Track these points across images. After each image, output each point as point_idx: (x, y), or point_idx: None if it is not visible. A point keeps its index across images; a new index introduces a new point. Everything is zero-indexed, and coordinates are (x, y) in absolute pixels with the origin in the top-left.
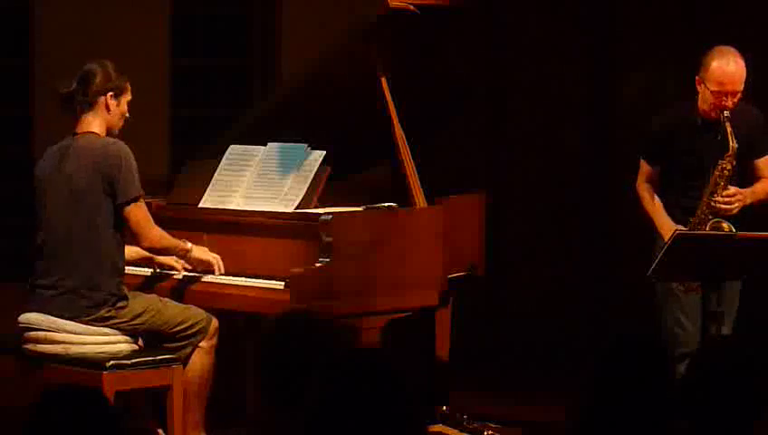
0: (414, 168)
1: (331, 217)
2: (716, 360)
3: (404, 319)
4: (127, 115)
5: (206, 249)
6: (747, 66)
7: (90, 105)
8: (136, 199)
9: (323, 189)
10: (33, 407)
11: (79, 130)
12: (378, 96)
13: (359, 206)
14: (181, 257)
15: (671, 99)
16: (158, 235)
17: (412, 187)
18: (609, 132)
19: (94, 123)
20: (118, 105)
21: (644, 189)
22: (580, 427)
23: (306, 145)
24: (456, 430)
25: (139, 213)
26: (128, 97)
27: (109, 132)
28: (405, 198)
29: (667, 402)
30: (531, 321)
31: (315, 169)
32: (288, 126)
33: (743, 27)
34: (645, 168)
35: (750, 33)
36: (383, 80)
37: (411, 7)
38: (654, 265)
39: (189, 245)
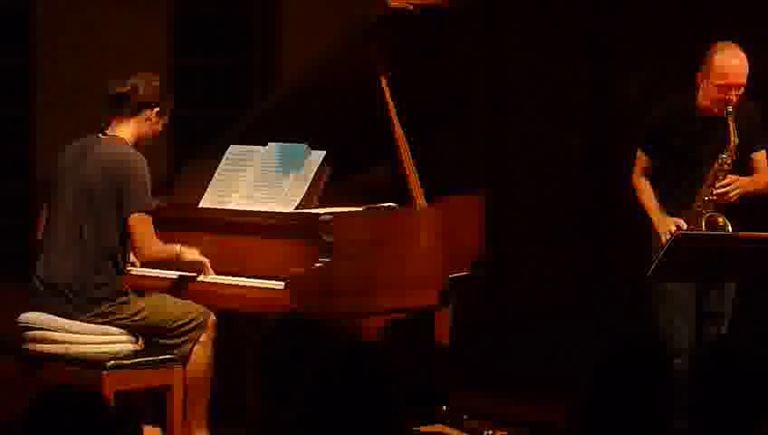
0: (414, 168)
1: (331, 217)
2: (716, 360)
3: (404, 319)
4: (158, 134)
5: (194, 250)
6: (748, 65)
7: (132, 112)
8: (142, 210)
9: (323, 189)
10: (32, 408)
11: (108, 131)
12: (378, 96)
13: (359, 206)
14: (172, 261)
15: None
16: (158, 250)
17: (412, 187)
18: (609, 132)
19: (126, 129)
20: (157, 123)
21: (641, 182)
22: (580, 427)
23: (306, 145)
24: (456, 430)
25: (143, 225)
26: (166, 120)
27: (137, 143)
28: (405, 198)
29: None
30: (531, 321)
31: (315, 169)
32: (288, 126)
33: (743, 27)
34: (642, 158)
35: (750, 32)
36: (383, 80)
37: (411, 7)
38: (654, 266)
39: (178, 247)
